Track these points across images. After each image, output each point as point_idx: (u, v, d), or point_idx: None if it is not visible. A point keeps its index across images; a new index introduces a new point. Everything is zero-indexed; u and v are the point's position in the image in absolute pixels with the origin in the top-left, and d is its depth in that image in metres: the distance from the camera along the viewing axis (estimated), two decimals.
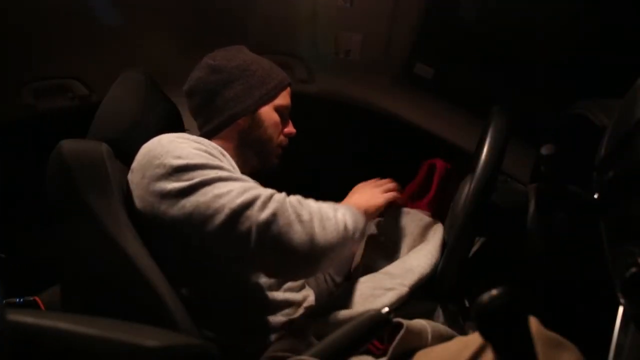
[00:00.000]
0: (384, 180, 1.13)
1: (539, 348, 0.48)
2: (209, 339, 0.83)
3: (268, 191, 0.80)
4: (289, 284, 0.96)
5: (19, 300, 1.20)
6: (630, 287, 0.44)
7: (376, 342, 0.80)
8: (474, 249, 0.94)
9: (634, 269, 0.43)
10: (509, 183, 0.96)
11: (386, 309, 0.57)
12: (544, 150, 0.80)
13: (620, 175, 0.48)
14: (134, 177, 0.85)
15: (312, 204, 0.83)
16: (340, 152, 1.81)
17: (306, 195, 0.89)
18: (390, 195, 1.07)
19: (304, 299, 0.97)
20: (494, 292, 0.38)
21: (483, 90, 1.43)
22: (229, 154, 1.05)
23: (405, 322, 0.75)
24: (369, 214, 0.99)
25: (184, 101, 1.35)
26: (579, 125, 0.76)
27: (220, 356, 0.57)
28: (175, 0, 1.34)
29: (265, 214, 0.75)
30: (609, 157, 0.52)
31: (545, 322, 0.58)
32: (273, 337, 0.85)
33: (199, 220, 0.77)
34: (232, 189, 0.78)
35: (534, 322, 0.56)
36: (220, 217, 0.76)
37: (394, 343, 0.73)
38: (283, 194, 0.82)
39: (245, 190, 0.78)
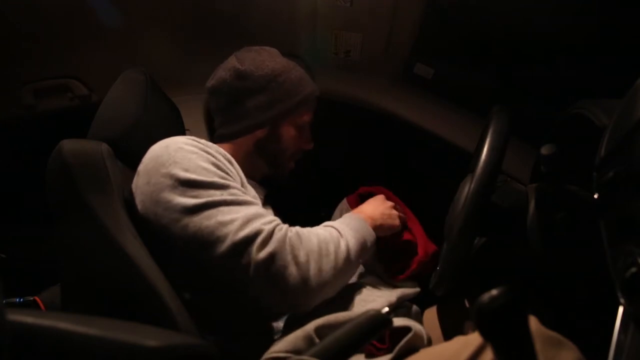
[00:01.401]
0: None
1: (539, 347, 0.48)
2: (209, 340, 0.83)
3: (270, 225, 0.80)
4: None
5: (19, 300, 1.20)
6: (630, 287, 0.44)
7: (375, 342, 0.80)
8: (474, 249, 0.94)
9: (634, 269, 0.43)
10: (509, 183, 0.96)
11: (386, 309, 0.57)
12: (544, 150, 0.80)
13: (620, 175, 0.48)
14: (139, 180, 0.85)
15: (312, 240, 0.83)
16: (340, 152, 1.81)
17: (306, 195, 0.89)
18: (404, 221, 1.09)
19: None
20: (494, 292, 0.38)
21: (483, 90, 1.43)
22: (241, 159, 1.05)
23: (411, 323, 0.76)
24: (381, 230, 1.01)
25: (184, 101, 1.35)
26: (579, 125, 0.76)
27: (220, 356, 0.57)
28: (175, 0, 1.34)
29: (263, 254, 0.76)
30: (609, 157, 0.52)
31: (545, 322, 0.58)
32: (273, 339, 0.84)
33: (199, 244, 0.78)
34: (236, 217, 0.78)
35: (533, 322, 0.56)
36: (220, 248, 0.77)
37: (401, 344, 0.73)
38: (284, 229, 0.82)
39: (248, 221, 0.79)
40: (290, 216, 1.18)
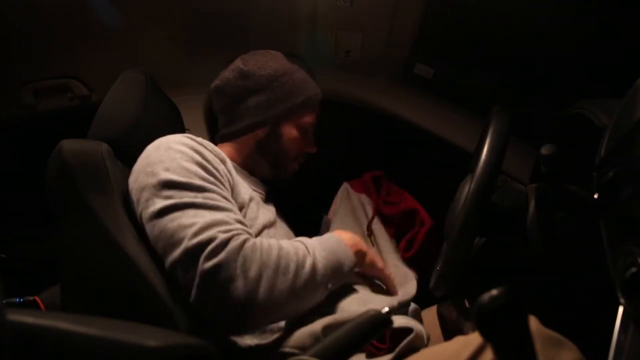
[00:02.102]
0: None
1: (539, 347, 0.48)
2: (208, 340, 0.83)
3: (227, 234, 0.75)
4: None
5: (19, 300, 1.20)
6: (630, 287, 0.44)
7: (375, 342, 0.80)
8: (474, 249, 0.94)
9: (634, 269, 0.43)
10: (509, 183, 0.96)
11: (386, 309, 0.57)
12: (544, 150, 0.80)
13: (620, 175, 0.48)
14: (131, 178, 0.86)
15: (271, 254, 0.77)
16: (340, 152, 1.81)
17: (305, 195, 0.89)
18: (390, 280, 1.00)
19: None
20: (494, 292, 0.38)
21: (483, 90, 1.43)
22: (243, 160, 1.06)
23: (413, 324, 0.76)
24: (365, 261, 0.93)
25: (183, 101, 1.35)
26: (579, 125, 0.76)
27: (220, 356, 0.57)
28: (175, 0, 1.34)
29: (210, 264, 0.72)
30: (609, 157, 0.52)
31: (545, 322, 0.58)
32: (272, 339, 0.84)
33: (161, 246, 0.77)
34: (197, 222, 0.75)
35: (533, 321, 0.56)
36: (175, 253, 0.75)
37: (402, 345, 0.73)
38: (241, 239, 0.76)
39: (208, 227, 0.75)
40: (291, 216, 1.18)
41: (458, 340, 0.62)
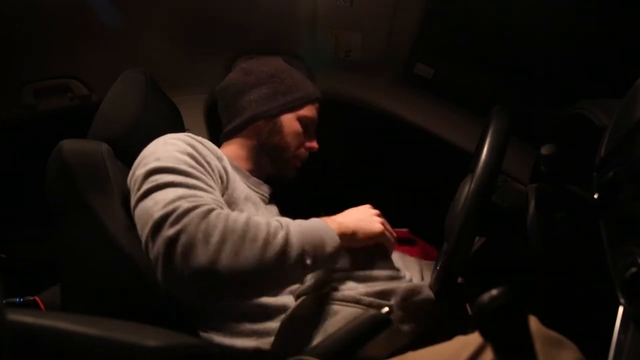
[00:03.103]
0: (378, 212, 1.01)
1: (539, 347, 0.48)
2: (207, 340, 0.83)
3: (190, 203, 0.72)
4: (289, 288, 0.95)
5: (19, 300, 1.20)
6: (630, 287, 0.44)
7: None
8: (474, 249, 0.94)
9: (634, 269, 0.43)
10: (509, 183, 0.96)
11: (386, 309, 0.57)
12: (544, 150, 0.80)
13: (620, 175, 0.48)
14: (129, 175, 0.86)
15: (237, 222, 0.73)
16: (340, 152, 1.81)
17: (305, 195, 0.89)
18: (389, 229, 0.96)
19: None
20: (494, 292, 0.38)
21: (483, 90, 1.43)
22: (245, 158, 1.07)
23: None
24: (357, 237, 0.89)
25: (183, 101, 1.35)
26: (579, 125, 0.76)
27: (220, 356, 0.57)
28: (175, 0, 1.34)
29: (172, 230, 0.69)
30: (609, 157, 0.52)
31: (545, 322, 0.58)
32: (270, 340, 0.84)
33: (139, 228, 0.75)
34: (169, 197, 0.73)
35: (533, 321, 0.56)
36: (146, 230, 0.72)
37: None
38: (206, 208, 0.73)
39: (176, 199, 0.73)
40: (291, 216, 1.18)
41: (458, 340, 0.62)
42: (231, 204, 0.90)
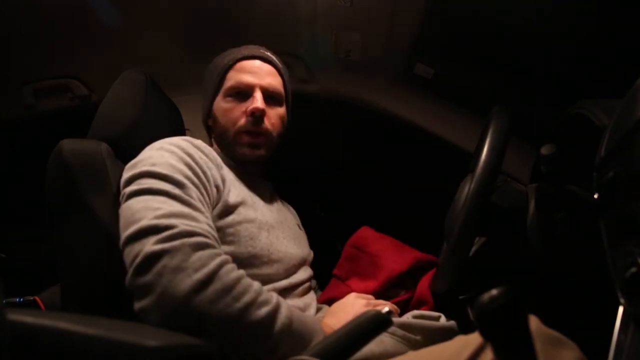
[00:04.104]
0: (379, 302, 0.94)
1: (539, 346, 0.48)
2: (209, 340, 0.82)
3: (190, 228, 0.69)
4: (291, 289, 0.94)
5: (19, 300, 1.20)
6: (630, 287, 0.44)
7: None
8: (474, 249, 0.94)
9: (634, 269, 0.43)
10: (509, 183, 0.96)
11: (386, 309, 0.57)
12: (544, 150, 0.80)
13: (620, 175, 0.48)
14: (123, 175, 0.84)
15: (231, 275, 0.68)
16: (339, 151, 1.81)
17: (305, 195, 0.88)
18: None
19: (307, 306, 0.95)
20: (494, 292, 0.38)
21: (483, 90, 1.43)
22: (225, 155, 1.05)
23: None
24: None
25: (183, 101, 1.35)
26: (579, 125, 0.76)
27: (220, 356, 0.57)
28: (175, 0, 1.34)
29: (158, 247, 0.65)
30: (609, 157, 0.52)
31: (545, 322, 0.58)
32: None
33: (121, 223, 0.72)
34: (163, 207, 0.70)
35: (534, 320, 0.56)
36: (130, 230, 0.69)
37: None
38: (205, 241, 0.69)
39: (172, 215, 0.70)
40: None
41: (458, 340, 0.62)
42: (227, 211, 0.88)
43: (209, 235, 0.73)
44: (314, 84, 1.66)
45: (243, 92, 1.00)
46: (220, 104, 1.02)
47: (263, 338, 0.69)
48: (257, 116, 0.98)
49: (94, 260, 0.83)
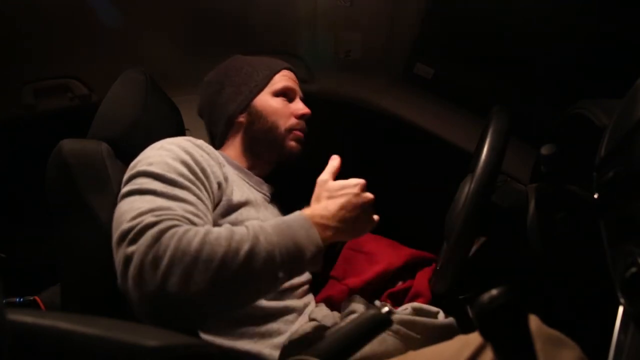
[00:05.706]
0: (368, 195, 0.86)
1: (540, 346, 0.48)
2: (208, 340, 0.82)
3: (155, 219, 0.68)
4: (291, 291, 0.94)
5: (19, 300, 1.20)
6: (630, 287, 0.44)
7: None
8: (474, 249, 0.94)
9: (634, 269, 0.43)
10: (509, 183, 0.96)
11: (386, 309, 0.57)
12: (544, 150, 0.80)
13: (620, 175, 0.48)
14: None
15: (192, 242, 0.66)
16: (339, 151, 1.81)
17: (305, 195, 0.88)
18: (376, 219, 0.86)
19: (305, 306, 0.96)
20: (494, 292, 0.38)
21: (483, 90, 1.43)
22: (243, 157, 1.07)
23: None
24: (342, 236, 0.80)
25: (184, 101, 1.35)
26: (579, 125, 0.76)
27: (220, 356, 0.57)
28: (175, 0, 1.34)
29: (129, 250, 0.66)
30: (609, 157, 0.52)
31: (545, 322, 0.58)
32: (272, 342, 0.84)
33: (113, 226, 0.73)
34: (143, 207, 0.70)
35: (534, 320, 0.56)
36: (115, 235, 0.70)
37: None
38: (167, 225, 0.68)
39: (147, 212, 0.69)
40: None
41: (458, 340, 0.62)
42: (230, 209, 0.88)
43: (178, 217, 0.70)
44: (314, 84, 1.66)
45: (289, 96, 1.10)
46: (269, 100, 1.07)
47: (257, 271, 0.68)
48: (307, 118, 1.10)
49: (94, 261, 0.83)
